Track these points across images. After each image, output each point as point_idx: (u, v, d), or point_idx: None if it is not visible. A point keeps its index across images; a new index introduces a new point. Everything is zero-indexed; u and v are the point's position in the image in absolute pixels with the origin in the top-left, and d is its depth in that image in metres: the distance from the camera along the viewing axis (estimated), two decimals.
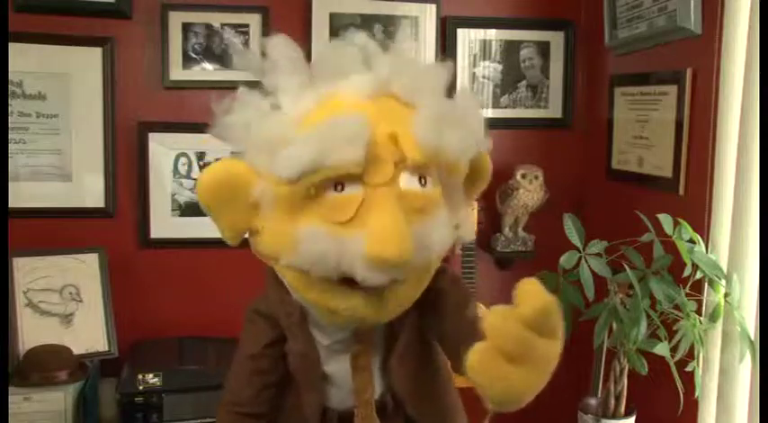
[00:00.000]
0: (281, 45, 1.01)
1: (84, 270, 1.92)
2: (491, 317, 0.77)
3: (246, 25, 2.04)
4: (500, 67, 2.20)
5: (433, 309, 1.08)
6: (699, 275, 1.51)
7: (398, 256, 0.88)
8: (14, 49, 1.82)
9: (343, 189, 0.93)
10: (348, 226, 0.92)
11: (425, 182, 0.97)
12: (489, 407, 0.80)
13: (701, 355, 1.54)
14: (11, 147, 1.95)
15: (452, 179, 1.02)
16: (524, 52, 2.21)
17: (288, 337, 1.11)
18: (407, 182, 0.95)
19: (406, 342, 1.09)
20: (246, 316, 1.16)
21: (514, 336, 0.76)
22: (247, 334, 1.15)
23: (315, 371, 1.11)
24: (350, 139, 0.91)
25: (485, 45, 2.18)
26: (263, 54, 1.00)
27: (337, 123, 0.92)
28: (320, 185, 0.93)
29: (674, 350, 1.50)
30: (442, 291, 1.08)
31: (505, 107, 2.20)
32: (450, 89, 1.04)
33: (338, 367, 1.11)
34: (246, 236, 1.06)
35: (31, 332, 1.82)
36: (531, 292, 0.77)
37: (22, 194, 1.96)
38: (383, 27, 2.05)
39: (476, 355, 0.78)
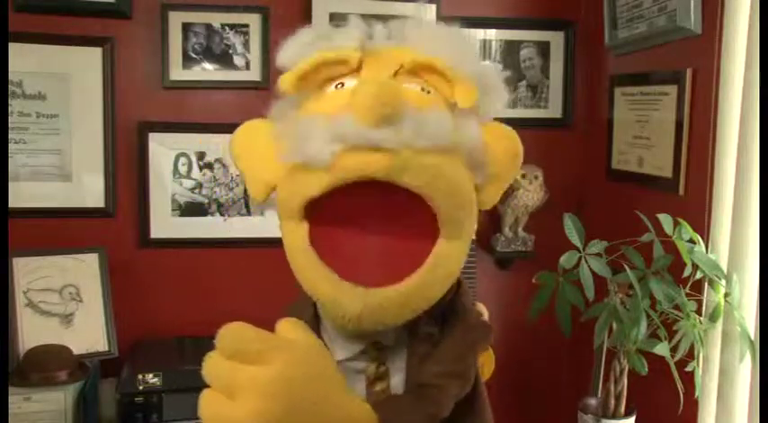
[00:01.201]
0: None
1: (84, 270, 1.92)
2: (203, 363, 0.79)
3: (246, 25, 2.04)
4: (500, 67, 2.20)
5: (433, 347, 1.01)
6: (699, 275, 1.51)
7: (383, 95, 0.83)
8: (14, 49, 1.82)
9: (342, 87, 0.93)
10: (342, 108, 0.88)
11: (429, 93, 0.94)
12: None
13: (701, 355, 1.54)
14: (11, 147, 1.95)
15: (457, 98, 0.94)
16: (524, 52, 2.21)
17: None
18: (409, 86, 0.93)
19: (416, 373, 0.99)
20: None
21: (213, 369, 0.77)
22: None
23: None
24: (347, 31, 0.95)
25: (485, 45, 2.18)
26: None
27: (335, 25, 0.97)
28: (321, 83, 0.94)
29: (674, 350, 1.50)
30: (445, 339, 1.01)
31: (505, 107, 2.19)
32: None
33: (354, 388, 0.98)
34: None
35: (31, 332, 1.82)
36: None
37: (22, 194, 1.96)
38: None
39: (200, 401, 0.80)
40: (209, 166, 2.06)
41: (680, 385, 1.51)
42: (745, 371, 1.49)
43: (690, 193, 1.68)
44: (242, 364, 0.75)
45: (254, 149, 0.98)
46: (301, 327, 0.81)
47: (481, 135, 0.97)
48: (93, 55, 1.99)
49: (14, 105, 1.96)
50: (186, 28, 2.03)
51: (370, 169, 0.85)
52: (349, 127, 0.84)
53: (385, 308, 0.89)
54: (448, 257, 0.93)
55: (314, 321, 1.02)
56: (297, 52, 0.95)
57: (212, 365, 0.76)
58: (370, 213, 0.90)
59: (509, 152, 1.05)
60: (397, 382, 1.00)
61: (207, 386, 0.85)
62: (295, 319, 0.81)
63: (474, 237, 1.06)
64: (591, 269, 1.55)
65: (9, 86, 1.93)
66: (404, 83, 0.92)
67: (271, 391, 0.75)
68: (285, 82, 0.93)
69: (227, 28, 2.04)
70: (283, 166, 0.93)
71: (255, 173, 0.99)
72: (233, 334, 0.76)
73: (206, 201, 2.07)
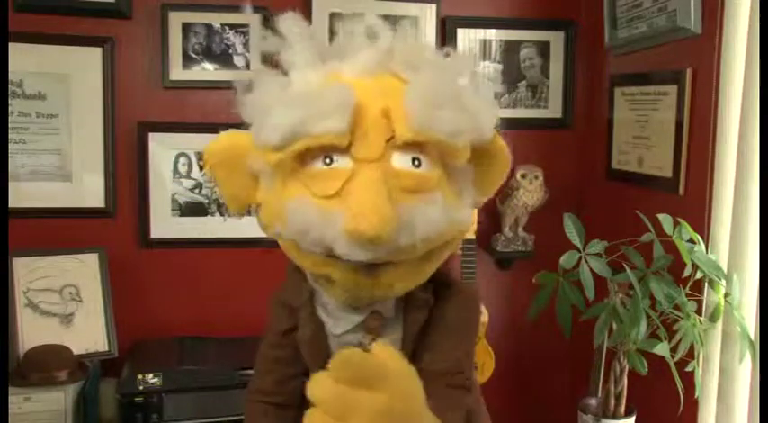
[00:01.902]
0: (291, 20, 1.00)
1: (84, 270, 1.92)
2: (310, 382, 0.78)
3: (246, 25, 2.04)
4: (500, 67, 2.20)
5: (430, 325, 1.05)
6: (699, 275, 1.51)
7: (374, 231, 0.85)
8: (14, 49, 1.82)
9: (331, 162, 0.92)
10: (333, 200, 0.90)
11: (420, 163, 0.94)
12: None
13: (701, 355, 1.54)
14: (11, 147, 1.95)
15: (452, 162, 0.97)
16: (524, 52, 2.21)
17: (299, 324, 1.09)
18: (399, 161, 0.93)
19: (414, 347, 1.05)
20: (268, 303, 1.16)
21: (326, 393, 0.76)
22: (269, 321, 1.15)
23: (325, 362, 1.08)
24: (334, 108, 0.90)
25: (485, 45, 2.18)
26: (275, 31, 0.99)
27: (322, 92, 0.92)
28: (308, 156, 0.93)
29: (674, 350, 1.50)
30: (440, 310, 1.06)
31: (505, 107, 2.20)
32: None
33: None
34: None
35: (31, 332, 1.82)
36: (344, 350, 0.79)
37: (22, 194, 1.96)
38: None
39: (307, 421, 0.78)
40: None
41: (680, 385, 1.51)
42: (745, 371, 1.49)
43: (690, 193, 1.68)
44: (354, 389, 0.75)
45: (235, 167, 1.00)
46: (396, 353, 0.82)
47: (474, 182, 1.03)
48: (93, 55, 1.99)
49: (14, 105, 1.95)
50: (186, 28, 2.03)
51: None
52: (340, 248, 0.89)
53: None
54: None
55: (309, 302, 1.07)
56: (278, 123, 0.92)
57: (323, 388, 0.76)
58: None
59: (500, 171, 1.08)
60: None
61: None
62: (388, 345, 0.82)
63: (474, 236, 1.09)
64: (591, 269, 1.55)
65: (9, 86, 1.93)
66: (395, 154, 0.92)
67: (382, 416, 0.76)
68: (271, 159, 0.94)
69: (227, 28, 2.04)
70: (272, 202, 0.98)
71: (235, 191, 1.02)
72: (349, 360, 0.76)
73: (206, 201, 2.07)
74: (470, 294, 1.11)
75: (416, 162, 0.93)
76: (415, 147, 0.93)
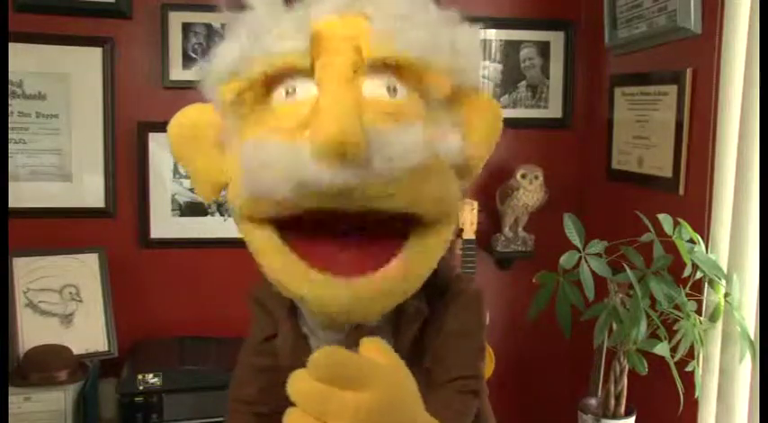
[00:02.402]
0: None
1: (84, 270, 1.92)
2: (289, 379, 0.72)
3: None
4: (500, 67, 2.20)
5: (431, 334, 0.99)
6: (699, 275, 1.51)
7: (342, 136, 0.73)
8: (14, 49, 1.82)
9: (294, 93, 0.83)
10: (297, 132, 0.79)
11: (396, 93, 0.84)
12: None
13: (700, 355, 1.54)
14: (11, 147, 1.95)
15: (433, 93, 0.87)
16: (524, 52, 2.21)
17: (279, 333, 1.04)
18: (372, 88, 0.82)
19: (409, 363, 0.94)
20: (248, 302, 1.09)
21: (306, 392, 0.71)
22: (251, 323, 1.09)
23: None
24: (292, 28, 0.82)
25: (485, 45, 2.18)
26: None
27: (279, 19, 0.84)
28: (267, 89, 0.84)
29: (674, 350, 1.50)
30: (439, 317, 0.98)
31: (505, 107, 2.20)
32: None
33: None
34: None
35: (31, 332, 1.82)
36: (325, 347, 0.72)
37: (22, 194, 1.96)
38: None
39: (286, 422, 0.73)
40: None
41: (680, 385, 1.51)
42: (745, 371, 1.49)
43: (690, 193, 1.68)
44: (337, 389, 0.71)
45: (200, 143, 0.92)
46: (387, 348, 0.76)
47: (461, 129, 0.90)
48: (93, 55, 1.99)
49: (14, 105, 1.95)
50: (186, 28, 2.03)
51: (336, 206, 0.80)
52: (308, 170, 0.76)
53: (373, 296, 0.84)
54: (432, 238, 0.88)
55: (292, 309, 1.00)
56: (236, 56, 0.85)
57: (304, 387, 0.71)
58: (339, 216, 0.83)
59: (490, 124, 0.96)
60: None
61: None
62: (378, 338, 0.76)
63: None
64: (591, 269, 1.55)
65: (9, 86, 1.93)
66: (366, 82, 0.82)
67: (366, 417, 0.72)
68: (226, 94, 0.85)
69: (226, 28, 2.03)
70: (234, 168, 0.87)
71: (203, 174, 0.93)
72: (329, 358, 0.71)
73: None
74: (471, 295, 1.03)
75: (392, 90, 0.84)
76: (389, 72, 0.83)
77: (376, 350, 0.75)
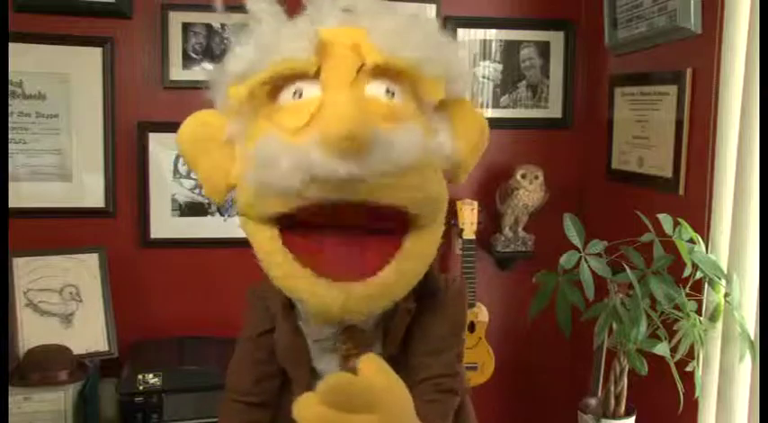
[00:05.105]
0: (261, 2, 0.97)
1: (84, 270, 1.92)
2: (296, 404, 0.75)
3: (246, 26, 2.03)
4: (500, 67, 2.20)
5: (415, 332, 1.04)
6: (699, 275, 1.51)
7: (348, 127, 0.79)
8: (14, 49, 1.82)
9: (301, 96, 0.90)
10: (304, 130, 0.85)
11: (394, 95, 0.91)
12: None
13: (700, 355, 1.54)
14: (11, 147, 1.95)
15: (426, 98, 0.94)
16: (524, 52, 2.21)
17: (276, 327, 1.09)
18: (373, 90, 0.90)
19: (396, 360, 0.99)
20: (246, 296, 1.14)
21: (314, 418, 0.73)
22: (247, 318, 1.14)
23: (302, 367, 1.07)
24: (300, 35, 0.89)
25: (485, 45, 2.18)
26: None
27: (287, 25, 0.92)
28: (276, 91, 0.91)
29: (674, 350, 1.50)
30: (425, 314, 1.03)
31: (505, 107, 2.20)
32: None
33: (329, 367, 1.05)
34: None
35: (31, 332, 1.82)
36: (333, 374, 0.76)
37: (22, 194, 1.96)
38: None
39: None
40: None
41: (680, 385, 1.51)
42: (745, 371, 1.49)
43: (690, 193, 1.68)
44: (345, 414, 0.73)
45: (208, 150, 0.97)
46: (385, 367, 0.79)
47: (450, 134, 0.97)
48: (93, 55, 1.99)
49: (14, 105, 1.95)
50: (186, 28, 2.03)
51: (341, 198, 0.84)
52: (316, 161, 0.81)
53: (367, 300, 0.89)
54: (424, 242, 0.94)
55: (286, 309, 1.05)
56: (246, 61, 0.91)
57: (314, 413, 0.74)
58: (341, 213, 0.89)
59: (476, 132, 1.02)
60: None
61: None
62: (376, 356, 0.80)
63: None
64: (591, 269, 1.55)
65: (9, 86, 1.93)
66: (367, 85, 0.89)
67: None
68: (236, 96, 0.91)
69: (227, 28, 2.03)
70: (242, 167, 0.92)
71: (212, 176, 0.98)
72: (339, 384, 0.74)
73: (206, 201, 2.07)
74: (454, 294, 1.08)
75: (390, 93, 0.91)
76: (388, 76, 0.91)
77: (375, 369, 0.78)
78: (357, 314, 0.92)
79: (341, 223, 0.90)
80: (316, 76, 0.89)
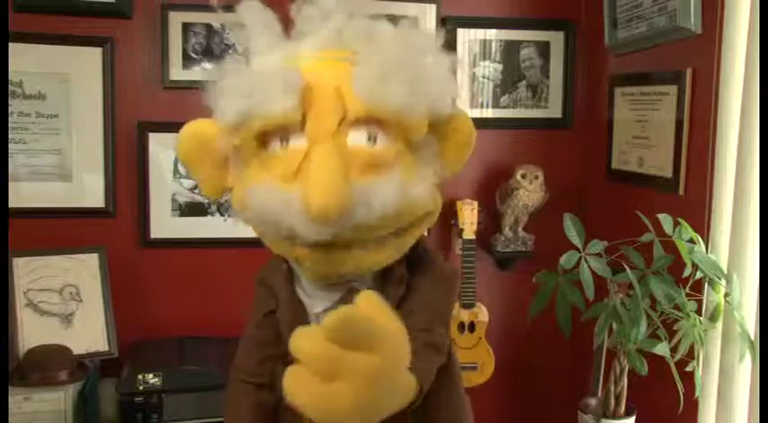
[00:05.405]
0: (253, 9, 1.02)
1: (84, 270, 1.92)
2: (294, 337, 0.75)
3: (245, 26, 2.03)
4: (500, 67, 2.20)
5: (407, 298, 1.06)
6: (699, 275, 1.51)
7: (327, 209, 0.86)
8: (14, 49, 1.82)
9: (288, 144, 0.95)
10: (291, 181, 0.93)
11: (376, 140, 0.96)
12: None
13: (700, 355, 1.54)
14: (11, 147, 1.95)
15: (411, 137, 0.99)
16: (524, 52, 2.21)
17: (279, 304, 1.11)
18: (354, 138, 0.95)
19: None
20: (254, 283, 1.18)
21: (318, 353, 0.73)
22: (254, 302, 1.17)
23: None
24: (282, 88, 0.93)
25: (485, 45, 2.18)
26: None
27: (272, 75, 0.95)
28: (267, 138, 0.96)
29: (674, 350, 1.50)
30: (416, 284, 1.07)
31: (505, 107, 2.20)
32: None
33: None
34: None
35: (31, 332, 1.82)
36: (341, 309, 0.75)
37: (22, 194, 1.96)
38: None
39: (289, 379, 0.76)
40: None
41: (680, 385, 1.51)
42: (745, 371, 1.49)
43: (690, 193, 1.68)
44: (348, 351, 0.73)
45: (204, 153, 1.04)
46: (383, 304, 0.80)
47: (436, 150, 1.03)
48: (93, 55, 1.99)
49: (14, 105, 1.95)
50: (186, 28, 2.03)
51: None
52: (301, 227, 0.90)
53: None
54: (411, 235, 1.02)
55: (287, 282, 1.09)
56: (237, 111, 0.95)
57: (314, 348, 0.73)
58: None
59: (463, 142, 1.07)
60: None
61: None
62: (373, 293, 0.81)
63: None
64: (591, 269, 1.55)
65: (9, 86, 1.93)
66: (349, 133, 0.94)
67: (374, 378, 0.75)
68: (224, 140, 0.99)
69: (227, 28, 2.03)
70: (237, 183, 1.01)
71: (207, 176, 1.05)
72: (345, 321, 0.73)
73: (206, 201, 2.07)
74: (448, 273, 1.12)
75: (372, 139, 0.96)
76: (371, 123, 0.95)
77: (373, 305, 0.80)
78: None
79: None
80: (301, 125, 0.94)
